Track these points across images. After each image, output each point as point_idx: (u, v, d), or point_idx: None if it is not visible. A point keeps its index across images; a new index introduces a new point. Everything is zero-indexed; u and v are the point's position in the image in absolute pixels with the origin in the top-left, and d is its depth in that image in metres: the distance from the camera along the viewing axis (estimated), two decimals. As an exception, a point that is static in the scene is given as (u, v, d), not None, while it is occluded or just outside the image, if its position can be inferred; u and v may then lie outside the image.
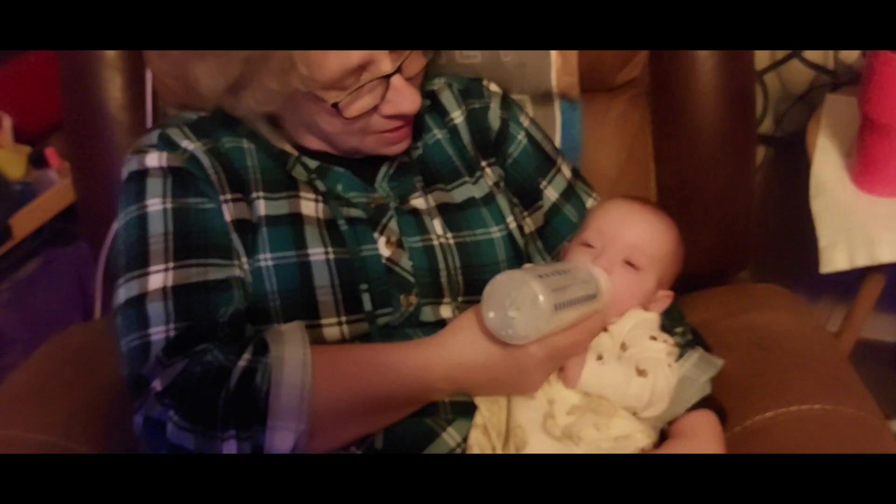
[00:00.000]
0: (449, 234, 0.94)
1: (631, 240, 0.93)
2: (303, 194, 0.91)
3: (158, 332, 0.82)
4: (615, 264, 0.91)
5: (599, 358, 0.86)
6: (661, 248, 0.95)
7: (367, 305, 0.88)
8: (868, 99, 1.20)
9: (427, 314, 0.91)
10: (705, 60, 1.21)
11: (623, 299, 0.91)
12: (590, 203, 1.08)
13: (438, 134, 1.03)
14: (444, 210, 0.95)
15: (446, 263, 0.92)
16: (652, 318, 0.94)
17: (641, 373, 0.86)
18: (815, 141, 1.39)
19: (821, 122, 1.42)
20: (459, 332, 0.82)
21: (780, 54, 1.59)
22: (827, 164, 1.34)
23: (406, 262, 0.91)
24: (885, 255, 1.22)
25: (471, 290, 0.93)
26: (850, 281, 1.41)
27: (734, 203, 1.27)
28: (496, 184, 1.01)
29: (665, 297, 0.97)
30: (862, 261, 1.25)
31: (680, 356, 0.94)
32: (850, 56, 1.53)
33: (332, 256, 0.88)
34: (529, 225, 1.03)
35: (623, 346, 0.90)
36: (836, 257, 1.29)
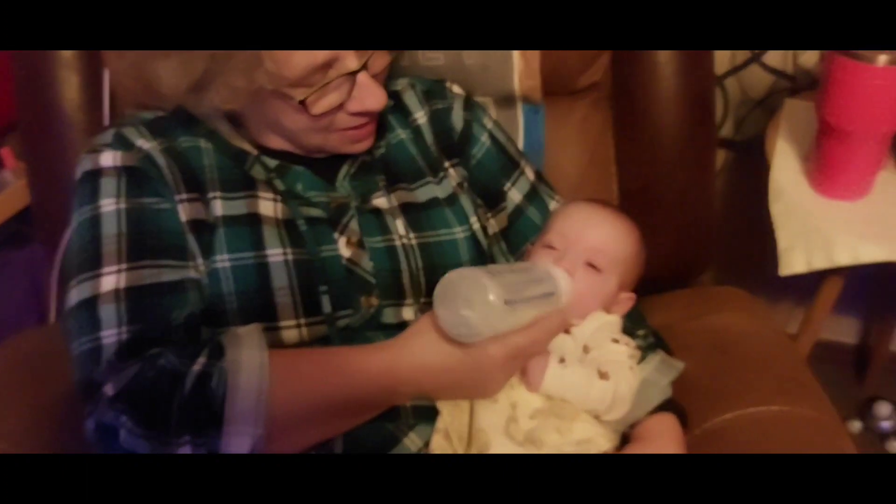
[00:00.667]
0: (411, 235, 0.93)
1: (593, 242, 0.93)
2: (261, 194, 0.90)
3: (110, 336, 0.80)
4: (577, 266, 0.91)
5: (562, 361, 0.85)
6: (623, 250, 0.95)
7: (327, 307, 0.87)
8: (825, 104, 1.22)
9: (388, 316, 0.90)
10: (666, 65, 1.22)
11: (585, 301, 0.91)
12: (553, 205, 1.08)
13: (402, 134, 1.02)
14: (407, 210, 0.94)
15: (408, 264, 0.91)
16: (614, 320, 0.94)
17: (603, 376, 0.86)
18: (774, 145, 1.41)
19: (780, 126, 1.44)
20: (419, 334, 0.82)
21: (740, 59, 1.61)
22: (786, 169, 1.36)
23: (367, 263, 0.90)
24: (842, 258, 1.24)
25: (433, 292, 0.92)
26: (810, 283, 1.43)
27: (695, 206, 1.28)
28: (460, 184, 1.00)
29: (627, 300, 0.97)
30: (820, 264, 1.27)
31: (642, 359, 0.94)
32: (809, 61, 1.55)
33: (290, 257, 0.86)
34: (493, 226, 1.03)
35: (585, 349, 0.90)
36: (794, 260, 1.30)
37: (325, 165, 0.94)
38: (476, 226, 0.97)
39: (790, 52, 1.56)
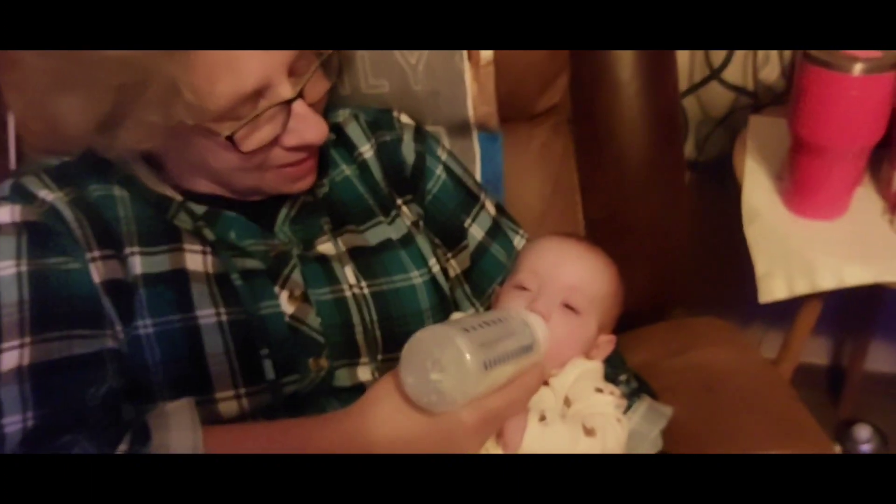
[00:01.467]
0: (363, 283, 0.84)
1: (569, 280, 0.83)
2: (187, 246, 0.79)
3: (14, 423, 0.69)
4: (553, 308, 0.81)
5: (542, 419, 0.75)
6: (601, 288, 0.86)
7: (270, 373, 0.76)
8: (798, 118, 1.15)
9: (342, 378, 0.81)
10: (629, 84, 1.14)
11: (563, 348, 0.81)
12: (517, 240, 0.98)
13: (347, 170, 0.92)
14: (357, 255, 0.85)
15: (361, 317, 0.82)
16: (596, 367, 0.84)
17: (589, 432, 0.76)
18: (742, 165, 1.34)
19: (747, 144, 1.37)
20: (380, 401, 0.70)
21: (698, 76, 1.54)
22: (758, 189, 1.28)
23: (313, 320, 0.80)
24: (826, 282, 1.16)
25: (391, 347, 0.83)
26: (780, 305, 1.35)
27: (668, 233, 1.20)
28: (415, 223, 0.91)
29: (607, 343, 0.88)
30: (802, 289, 1.19)
31: (627, 408, 0.84)
32: (771, 76, 1.49)
33: (225, 318, 0.75)
34: (454, 267, 0.95)
35: (567, 402, 0.80)
36: (774, 286, 1.22)
37: (260, 209, 0.84)
38: (436, 268, 0.89)
39: (750, 68, 1.50)
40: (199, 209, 0.82)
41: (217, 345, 0.75)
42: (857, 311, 1.79)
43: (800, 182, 1.21)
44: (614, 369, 0.90)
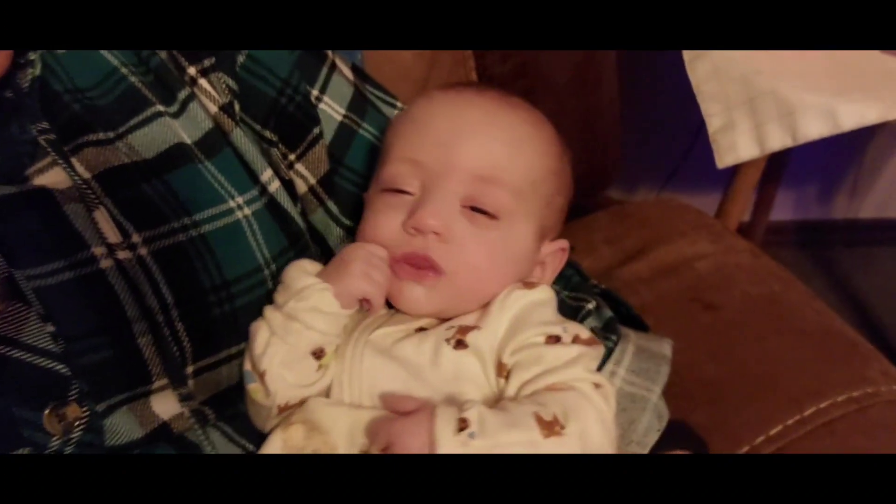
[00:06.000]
0: (135, 237, 0.50)
1: (473, 164, 0.52)
2: None
3: None
4: (451, 218, 0.50)
5: (462, 428, 0.41)
6: (533, 167, 0.54)
7: None
8: None
9: (120, 427, 0.49)
10: None
11: (479, 280, 0.52)
12: (395, 116, 0.63)
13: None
14: (117, 184, 0.52)
15: (141, 304, 0.50)
16: (543, 298, 0.53)
17: (550, 426, 0.44)
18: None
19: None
20: None
21: None
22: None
23: (34, 332, 0.46)
24: (813, 129, 0.86)
25: (211, 344, 0.52)
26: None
27: (596, 89, 0.86)
28: (225, 108, 0.57)
29: (556, 254, 0.56)
30: (777, 142, 0.89)
31: (606, 358, 0.52)
32: None
33: None
34: (305, 176, 0.61)
35: (501, 371, 0.49)
36: (738, 143, 0.93)
37: None
38: (273, 184, 0.57)
39: None
40: None
41: None
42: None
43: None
44: (573, 292, 0.57)
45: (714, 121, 0.94)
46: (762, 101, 0.90)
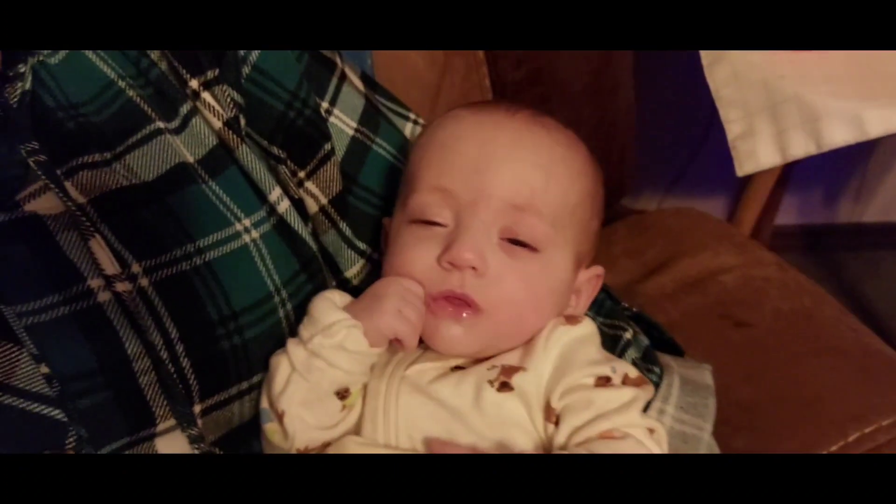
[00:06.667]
0: (135, 266, 0.47)
1: (509, 192, 0.48)
2: None
3: None
4: (487, 252, 0.47)
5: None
6: (570, 191, 0.51)
7: None
8: None
9: None
10: None
11: (520, 318, 0.49)
12: (409, 129, 0.60)
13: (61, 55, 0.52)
14: (112, 209, 0.48)
15: (142, 339, 0.46)
16: (586, 334, 0.49)
17: None
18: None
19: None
20: None
21: None
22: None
23: (27, 375, 0.43)
24: (838, 136, 0.83)
25: (217, 381, 0.49)
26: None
27: (612, 96, 0.83)
28: (229, 123, 0.52)
29: (591, 281, 0.52)
30: (801, 149, 0.86)
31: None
32: None
33: None
34: (316, 195, 0.57)
35: (550, 416, 0.45)
36: (759, 150, 0.90)
37: None
38: (283, 204, 0.53)
39: None
40: None
41: None
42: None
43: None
44: (607, 318, 0.55)
45: (733, 127, 0.91)
46: (785, 106, 0.87)
